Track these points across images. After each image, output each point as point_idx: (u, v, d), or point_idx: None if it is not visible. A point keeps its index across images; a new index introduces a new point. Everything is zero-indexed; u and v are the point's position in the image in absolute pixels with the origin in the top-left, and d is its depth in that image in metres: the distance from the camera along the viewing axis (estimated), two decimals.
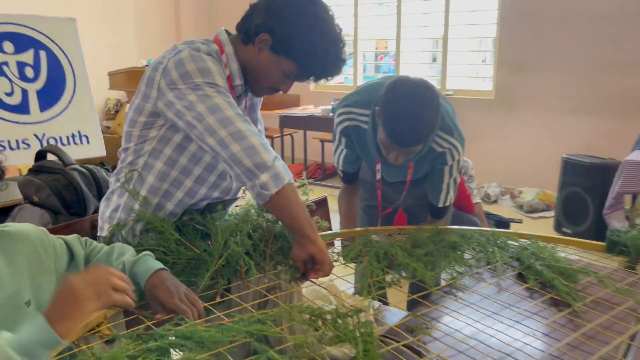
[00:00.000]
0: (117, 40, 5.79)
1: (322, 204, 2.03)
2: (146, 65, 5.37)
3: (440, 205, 1.71)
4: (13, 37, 2.29)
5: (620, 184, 2.93)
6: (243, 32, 1.32)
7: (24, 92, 2.28)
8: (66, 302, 0.86)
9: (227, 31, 1.37)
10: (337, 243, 1.64)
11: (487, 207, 4.16)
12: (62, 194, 1.70)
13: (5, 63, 2.31)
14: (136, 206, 1.33)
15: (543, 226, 3.96)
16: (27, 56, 2.36)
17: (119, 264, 1.12)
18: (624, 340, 1.08)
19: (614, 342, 1.07)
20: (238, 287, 1.28)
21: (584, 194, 3.55)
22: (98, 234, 1.42)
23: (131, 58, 5.75)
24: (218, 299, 1.21)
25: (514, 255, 1.46)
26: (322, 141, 5.37)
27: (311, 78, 1.33)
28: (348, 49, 1.31)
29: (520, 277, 1.37)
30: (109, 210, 1.38)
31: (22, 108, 2.39)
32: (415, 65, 5.50)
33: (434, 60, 5.39)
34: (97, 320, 1.09)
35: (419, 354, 1.03)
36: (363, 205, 1.94)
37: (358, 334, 1.03)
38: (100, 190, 1.79)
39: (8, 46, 2.29)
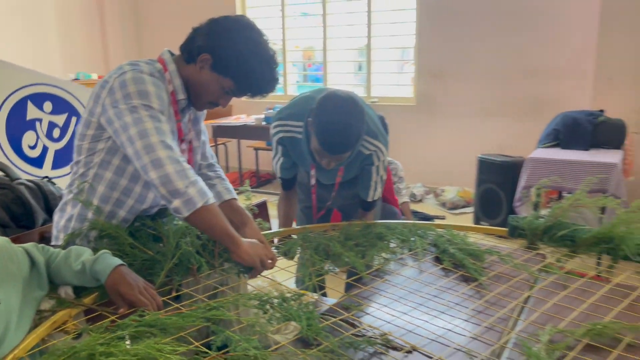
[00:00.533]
0: (42, 55, 5.64)
1: (261, 206, 2.19)
2: (74, 79, 5.30)
3: (370, 199, 1.92)
4: (54, 99, 2.45)
5: (525, 179, 3.29)
6: (186, 52, 1.46)
7: (45, 149, 2.43)
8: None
9: (170, 52, 1.51)
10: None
11: (413, 206, 4.46)
12: (10, 207, 1.75)
13: (39, 120, 2.45)
14: (89, 215, 1.43)
15: (464, 221, 4.30)
16: (60, 119, 2.52)
17: (79, 264, 1.23)
18: (518, 303, 1.32)
19: (511, 305, 1.31)
20: (188, 284, 1.41)
21: (497, 189, 3.91)
22: (52, 243, 1.50)
23: (56, 71, 5.63)
24: (174, 294, 1.34)
25: (432, 242, 1.69)
26: (256, 149, 5.51)
27: (248, 94, 1.49)
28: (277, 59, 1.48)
29: (437, 260, 1.59)
30: (64, 220, 1.47)
31: (38, 162, 2.52)
32: (342, 74, 5.76)
33: (360, 69, 5.67)
34: (62, 319, 1.19)
35: (354, 326, 1.22)
36: (302, 206, 2.13)
37: (302, 313, 1.20)
38: (47, 203, 1.85)
39: (47, 106, 2.44)
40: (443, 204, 4.75)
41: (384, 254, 1.58)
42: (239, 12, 5.92)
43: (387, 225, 1.74)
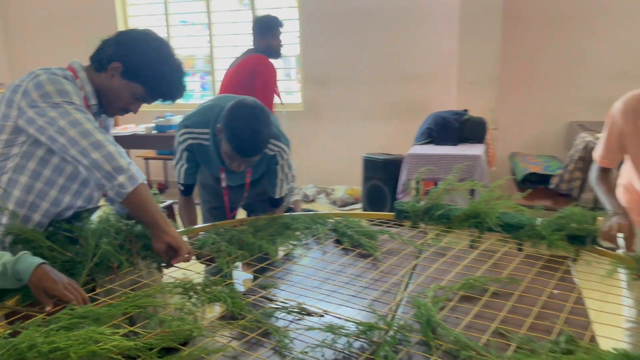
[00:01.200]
0: None
1: (168, 209, 2.26)
2: None
3: (277, 196, 2.09)
4: None
5: (406, 173, 3.65)
6: (96, 61, 1.53)
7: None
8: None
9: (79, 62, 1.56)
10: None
11: (306, 206, 4.70)
12: None
13: None
14: (4, 220, 1.44)
15: None
16: None
17: (0, 266, 1.25)
18: (407, 270, 1.57)
19: (401, 272, 1.55)
20: (111, 281, 1.48)
21: (382, 185, 4.27)
22: None
23: None
24: (98, 290, 1.40)
25: (332, 228, 1.90)
26: (146, 159, 5.42)
27: (158, 100, 1.60)
28: None
29: (338, 242, 1.80)
30: None
31: None
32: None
33: None
34: None
35: (272, 301, 1.38)
36: (208, 207, 2.24)
37: (225, 294, 1.34)
38: None
39: None
40: (334, 202, 5.05)
41: (291, 241, 1.76)
42: (120, 21, 5.79)
43: (291, 216, 1.93)
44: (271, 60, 3.46)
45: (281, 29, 3.52)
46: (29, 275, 1.24)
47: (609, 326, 1.26)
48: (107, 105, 1.57)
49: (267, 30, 3.45)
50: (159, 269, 1.58)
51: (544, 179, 3.76)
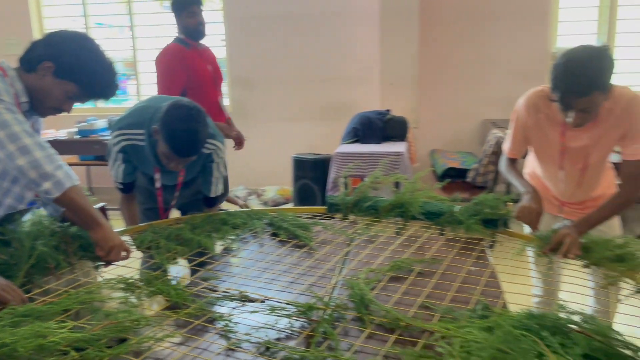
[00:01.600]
0: None
1: (101, 210, 2.24)
2: None
3: (212, 195, 2.13)
4: None
5: (334, 171, 3.79)
6: (26, 62, 1.52)
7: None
8: None
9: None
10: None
11: (238, 208, 4.73)
12: None
13: None
14: None
15: None
16: None
17: None
18: (341, 257, 1.68)
19: (335, 258, 1.66)
20: (48, 282, 1.48)
21: (312, 184, 4.38)
22: None
23: None
24: (36, 290, 1.40)
25: (268, 223, 1.97)
26: (70, 165, 5.21)
27: (91, 98, 1.61)
28: None
29: (275, 235, 1.88)
30: None
31: None
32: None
33: None
34: None
35: (214, 291, 1.44)
36: (142, 208, 2.24)
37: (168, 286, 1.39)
38: None
39: None
40: (265, 203, 5.11)
41: (229, 235, 1.82)
42: (34, 22, 5.55)
43: (228, 213, 1.98)
44: (194, 42, 3.05)
45: (199, 6, 3.04)
46: None
47: (518, 295, 1.43)
48: (39, 105, 1.56)
49: (180, 8, 3.00)
50: (96, 268, 1.59)
51: (462, 173, 4.02)
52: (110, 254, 1.52)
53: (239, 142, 3.36)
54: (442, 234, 1.91)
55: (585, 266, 1.63)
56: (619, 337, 1.09)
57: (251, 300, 1.38)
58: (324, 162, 4.30)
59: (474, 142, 5.01)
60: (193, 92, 2.93)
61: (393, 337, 1.18)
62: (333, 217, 2.11)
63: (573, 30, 4.93)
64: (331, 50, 5.11)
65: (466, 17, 4.90)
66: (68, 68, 1.51)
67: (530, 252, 1.90)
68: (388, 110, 4.31)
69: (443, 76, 5.00)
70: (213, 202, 2.17)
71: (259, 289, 1.44)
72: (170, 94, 2.67)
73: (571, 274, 1.62)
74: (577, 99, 1.64)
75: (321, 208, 2.20)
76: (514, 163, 2.04)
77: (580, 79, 1.61)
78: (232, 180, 4.98)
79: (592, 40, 4.84)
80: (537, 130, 1.93)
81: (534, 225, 1.79)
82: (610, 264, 1.56)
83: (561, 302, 1.22)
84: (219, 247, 1.79)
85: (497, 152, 3.65)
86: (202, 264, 1.63)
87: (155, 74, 3.07)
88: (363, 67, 5.03)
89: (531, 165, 2.13)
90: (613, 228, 1.99)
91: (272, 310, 1.27)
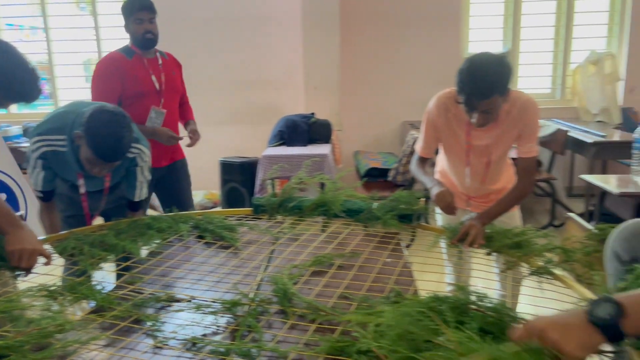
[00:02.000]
0: None
1: None
2: None
3: (137, 199, 2.13)
4: None
5: (261, 174, 3.85)
6: None
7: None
8: None
9: None
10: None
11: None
12: None
13: None
14: None
15: None
16: None
17: None
18: (266, 255, 1.75)
19: (260, 257, 1.73)
20: None
21: (239, 186, 4.42)
22: None
23: None
24: None
25: (194, 226, 2.01)
26: None
27: (12, 101, 1.59)
28: None
29: (200, 237, 1.92)
30: None
31: None
32: (75, 90, 5.57)
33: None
34: None
35: (139, 293, 1.46)
36: (63, 216, 2.19)
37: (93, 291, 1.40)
38: None
39: None
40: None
41: (154, 239, 1.84)
42: None
43: (152, 218, 2.00)
44: (142, 50, 2.79)
45: (149, 13, 2.78)
46: None
47: (429, 282, 1.56)
48: None
49: (127, 14, 2.75)
50: (15, 277, 1.57)
51: (383, 172, 4.21)
52: (22, 260, 1.50)
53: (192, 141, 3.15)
54: (365, 229, 2.02)
55: (488, 254, 1.80)
56: (511, 313, 1.24)
57: (177, 301, 1.42)
58: (251, 165, 4.35)
59: (395, 143, 5.24)
60: (130, 102, 2.73)
61: (313, 326, 1.27)
62: (259, 218, 2.17)
63: (482, 36, 5.28)
64: (256, 55, 5.16)
65: (384, 23, 5.12)
66: None
67: (442, 243, 2.05)
68: (312, 114, 4.43)
69: (364, 80, 5.19)
70: (137, 206, 2.17)
71: (185, 290, 1.48)
72: (101, 101, 2.60)
73: (479, 261, 1.78)
74: (479, 101, 1.81)
75: (247, 210, 2.25)
76: (424, 163, 2.19)
77: (482, 83, 1.78)
78: None
79: (499, 46, 5.21)
80: (446, 130, 2.10)
81: (451, 207, 1.93)
82: (509, 250, 1.74)
83: (470, 287, 1.36)
84: (144, 251, 1.80)
85: (414, 152, 3.86)
86: (127, 268, 1.64)
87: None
88: (287, 71, 5.12)
89: (441, 163, 2.30)
90: (514, 219, 2.19)
91: (198, 308, 1.32)
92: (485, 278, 1.82)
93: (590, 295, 1.36)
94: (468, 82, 1.81)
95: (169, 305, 1.40)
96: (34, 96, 1.59)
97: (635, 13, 4.99)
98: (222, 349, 1.15)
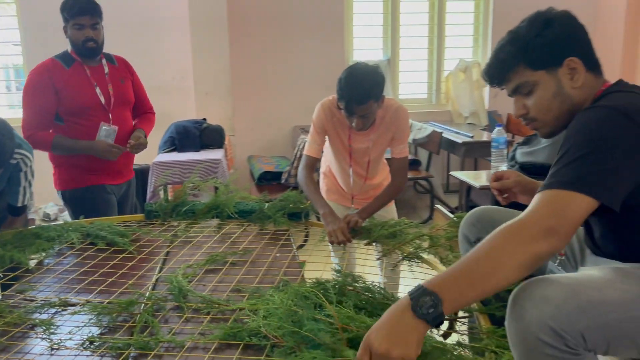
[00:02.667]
0: None
1: None
2: None
3: (20, 204, 2.07)
4: None
5: (153, 180, 3.83)
6: None
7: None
8: None
9: None
10: None
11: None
12: None
13: None
14: None
15: None
16: None
17: None
18: (160, 257, 1.81)
19: (156, 259, 1.79)
20: None
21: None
22: None
23: None
24: None
25: (85, 233, 2.00)
26: None
27: None
28: None
29: (92, 244, 1.93)
30: None
31: None
32: None
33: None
34: None
35: (32, 300, 1.47)
36: None
37: None
38: None
39: None
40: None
41: (43, 248, 1.83)
42: None
43: (41, 227, 1.97)
44: (83, 58, 2.50)
45: (92, 18, 2.41)
46: None
47: (315, 271, 1.72)
48: None
49: (67, 18, 2.41)
50: None
51: (277, 176, 4.35)
52: None
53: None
54: (262, 228, 2.13)
55: (368, 243, 2.00)
56: (382, 292, 1.43)
57: (72, 305, 1.45)
58: (142, 171, 4.27)
59: (287, 146, 5.42)
60: (74, 119, 2.44)
61: (208, 318, 1.37)
62: (152, 224, 2.21)
63: (365, 45, 5.63)
64: (144, 60, 5.06)
65: (273, 31, 5.28)
66: None
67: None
68: (204, 119, 4.46)
69: (256, 86, 5.31)
70: (19, 211, 2.12)
71: (80, 294, 1.51)
72: (33, 116, 2.39)
73: (361, 251, 1.98)
74: (356, 106, 2.01)
75: (139, 216, 2.29)
76: (312, 167, 2.32)
77: (359, 90, 1.98)
78: (44, 197, 4.67)
79: (380, 54, 5.59)
80: (332, 133, 2.29)
81: (345, 240, 2.03)
82: (386, 240, 1.95)
83: (350, 273, 1.53)
84: (34, 260, 1.79)
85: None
86: (16, 278, 1.63)
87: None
88: (178, 77, 5.10)
89: (326, 164, 2.48)
90: (391, 212, 2.44)
91: (94, 309, 1.36)
92: (367, 265, 2.01)
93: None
94: (347, 90, 2.01)
95: (64, 310, 1.42)
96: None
97: (496, 25, 5.59)
98: (120, 344, 1.22)
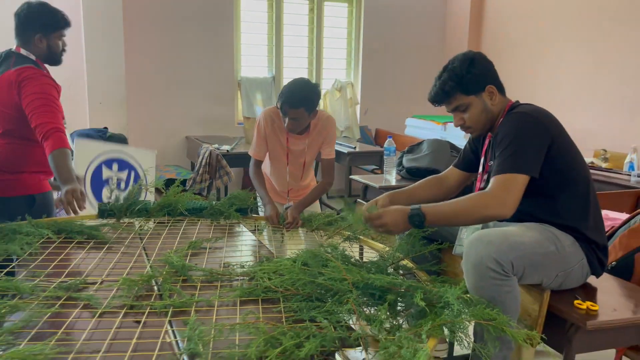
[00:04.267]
0: None
1: None
2: None
3: None
4: (118, 161, 3.29)
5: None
6: None
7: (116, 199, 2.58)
8: None
9: None
10: None
11: None
12: None
13: (111, 177, 3.24)
14: None
15: None
16: (124, 174, 3.29)
17: None
18: (140, 247, 2.04)
19: (138, 250, 2.01)
20: None
21: None
22: None
23: None
24: None
25: (57, 230, 2.13)
26: None
27: None
28: None
29: (68, 239, 2.08)
30: None
31: None
32: None
33: None
34: None
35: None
36: None
37: None
38: None
39: (115, 166, 3.27)
40: None
41: (27, 242, 1.94)
42: None
43: (17, 224, 2.06)
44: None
45: (66, 29, 2.59)
46: None
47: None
48: None
49: (42, 29, 2.49)
50: None
51: (181, 183, 4.54)
52: None
53: None
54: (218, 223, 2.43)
55: (311, 231, 2.43)
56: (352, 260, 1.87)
57: (92, 283, 1.65)
58: None
59: (180, 156, 5.59)
60: None
61: (218, 285, 1.68)
62: (108, 223, 2.38)
63: (253, 62, 6.05)
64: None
65: (166, 46, 5.45)
66: None
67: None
68: (106, 128, 4.50)
69: (150, 97, 5.43)
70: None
71: (91, 275, 1.71)
72: None
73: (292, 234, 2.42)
74: (289, 108, 2.45)
75: (92, 215, 2.44)
76: (259, 168, 2.71)
77: (295, 96, 2.44)
78: None
79: (266, 71, 6.04)
80: (272, 137, 2.67)
81: (275, 224, 2.47)
82: (326, 227, 2.40)
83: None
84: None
85: (211, 163, 4.33)
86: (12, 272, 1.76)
87: None
88: (72, 85, 5.01)
89: (264, 170, 2.86)
90: (316, 207, 2.89)
91: (125, 282, 1.59)
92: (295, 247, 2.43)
93: (377, 245, 2.10)
94: (286, 93, 2.46)
95: (89, 287, 1.62)
96: None
97: (365, 50, 6.38)
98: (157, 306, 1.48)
